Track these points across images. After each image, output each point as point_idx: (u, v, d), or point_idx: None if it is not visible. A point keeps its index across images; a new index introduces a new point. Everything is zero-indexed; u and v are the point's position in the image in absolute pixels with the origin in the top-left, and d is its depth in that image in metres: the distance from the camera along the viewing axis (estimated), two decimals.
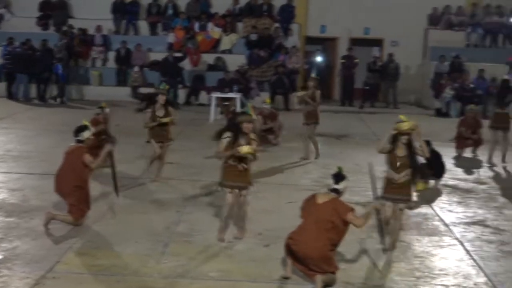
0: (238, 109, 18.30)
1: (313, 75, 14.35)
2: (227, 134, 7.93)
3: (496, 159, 13.47)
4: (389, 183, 7.88)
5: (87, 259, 7.27)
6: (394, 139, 7.74)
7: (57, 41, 21.71)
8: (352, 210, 6.63)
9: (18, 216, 8.68)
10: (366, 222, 6.81)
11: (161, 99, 10.62)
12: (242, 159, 7.85)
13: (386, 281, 7.06)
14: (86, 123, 8.72)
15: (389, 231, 8.15)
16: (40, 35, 22.13)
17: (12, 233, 8.00)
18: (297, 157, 12.93)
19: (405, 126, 7.63)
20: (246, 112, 8.59)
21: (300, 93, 13.55)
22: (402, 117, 7.85)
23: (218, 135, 8.11)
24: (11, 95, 20.66)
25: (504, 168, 13.12)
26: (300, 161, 12.85)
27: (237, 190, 8.05)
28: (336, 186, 6.73)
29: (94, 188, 9.06)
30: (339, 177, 6.79)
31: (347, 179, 6.84)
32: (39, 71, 20.64)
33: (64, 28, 22.59)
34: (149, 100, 11.06)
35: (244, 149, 7.66)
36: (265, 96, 20.42)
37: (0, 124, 15.97)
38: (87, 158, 8.12)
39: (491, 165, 13.27)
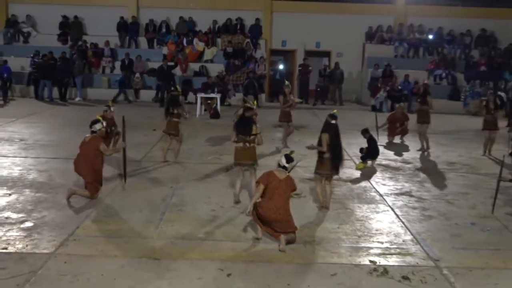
0: (218, 106, 18.37)
1: (286, 83, 14.29)
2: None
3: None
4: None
5: (100, 225, 7.28)
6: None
7: (72, 53, 21.59)
8: (295, 189, 7.07)
9: (45, 192, 8.63)
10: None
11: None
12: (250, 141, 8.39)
13: (334, 239, 7.11)
14: (99, 117, 8.74)
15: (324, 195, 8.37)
16: (60, 49, 21.90)
17: (41, 205, 7.96)
18: (268, 145, 12.79)
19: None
20: (252, 107, 9.15)
21: (298, 99, 13.35)
22: (335, 110, 8.40)
23: (241, 128, 8.42)
24: (37, 97, 20.54)
25: (427, 151, 13.22)
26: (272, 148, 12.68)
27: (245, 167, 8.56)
28: (286, 165, 6.88)
29: (106, 169, 9.01)
30: (289, 158, 6.94)
31: (294, 161, 7.08)
32: (60, 77, 20.55)
33: (79, 43, 22.43)
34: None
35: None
36: (240, 96, 20.54)
37: (29, 120, 15.81)
38: (102, 146, 8.27)
39: (422, 150, 13.28)
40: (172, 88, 12.60)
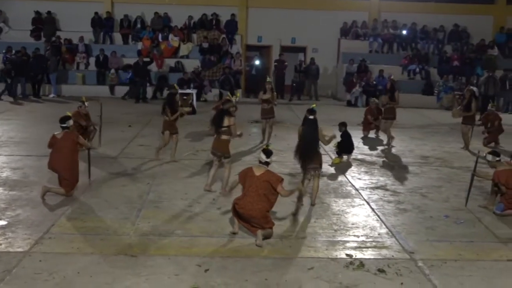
0: (194, 102, 18.32)
1: (268, 79, 14.19)
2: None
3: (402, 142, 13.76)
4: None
5: (76, 223, 7.20)
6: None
7: (46, 49, 21.31)
8: (281, 180, 6.86)
9: (19, 190, 8.51)
10: (290, 195, 7.17)
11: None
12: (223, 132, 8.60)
13: (310, 233, 7.15)
14: (69, 113, 8.65)
15: (310, 191, 8.38)
16: (33, 45, 21.61)
17: (15, 203, 7.86)
18: (246, 140, 12.79)
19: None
20: (231, 101, 9.37)
21: (265, 95, 13.23)
22: (314, 105, 8.49)
23: (214, 120, 8.81)
24: (10, 93, 20.19)
25: (389, 146, 13.29)
26: (249, 143, 12.74)
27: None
28: (267, 160, 6.92)
29: (81, 166, 8.92)
30: (268, 152, 6.97)
31: (273, 154, 7.11)
32: (33, 73, 20.32)
33: (53, 38, 22.16)
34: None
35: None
36: (216, 91, 20.54)
37: (2, 116, 15.60)
38: (81, 139, 8.31)
39: (390, 145, 13.39)
40: (171, 86, 12.52)
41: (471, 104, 13.01)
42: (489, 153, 8.50)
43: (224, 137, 8.60)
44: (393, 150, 12.95)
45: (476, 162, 8.72)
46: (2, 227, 6.91)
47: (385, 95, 13.97)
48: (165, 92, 20.53)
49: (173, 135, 10.76)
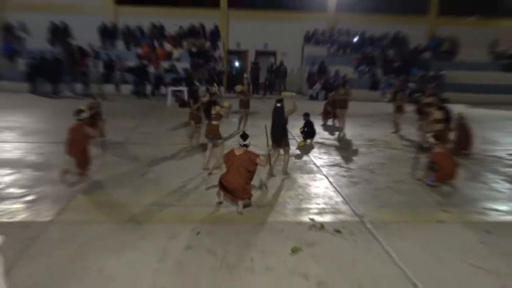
0: (186, 97, 18.21)
1: (245, 75, 14.36)
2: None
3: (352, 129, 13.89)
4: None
5: (91, 197, 7.19)
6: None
7: (61, 54, 21.00)
8: (258, 156, 6.93)
9: (43, 171, 8.44)
10: (267, 163, 7.31)
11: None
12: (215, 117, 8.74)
13: (281, 202, 7.23)
14: (83, 107, 8.56)
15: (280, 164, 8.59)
16: (51, 51, 21.27)
17: (40, 181, 7.80)
18: (226, 127, 12.82)
19: (285, 94, 9.09)
20: (217, 93, 10.04)
21: (240, 87, 13.32)
22: (287, 93, 9.13)
23: (205, 110, 9.01)
24: (33, 91, 19.95)
25: (343, 132, 13.34)
26: (233, 132, 12.68)
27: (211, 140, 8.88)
28: (244, 142, 6.99)
29: (93, 151, 8.86)
30: (245, 136, 7.05)
31: (250, 137, 7.15)
32: (52, 74, 20.00)
33: (67, 45, 21.81)
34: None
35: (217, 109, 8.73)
36: (203, 88, 20.39)
37: (27, 110, 15.32)
38: (90, 130, 8.13)
39: (340, 130, 13.49)
40: (194, 83, 12.41)
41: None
42: (432, 136, 8.58)
43: (214, 122, 8.72)
44: (347, 135, 13.08)
45: (419, 144, 8.88)
46: (30, 201, 6.87)
47: (342, 88, 14.13)
48: (162, 89, 20.51)
49: (197, 125, 10.52)
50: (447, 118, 10.08)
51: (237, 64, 23.93)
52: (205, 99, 9.85)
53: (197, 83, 12.07)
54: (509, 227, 6.57)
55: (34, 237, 5.63)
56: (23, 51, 21.42)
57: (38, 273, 4.83)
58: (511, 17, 25.22)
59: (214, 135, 8.79)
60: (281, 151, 8.72)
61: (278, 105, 8.42)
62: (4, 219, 6.17)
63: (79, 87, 20.51)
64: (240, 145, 7.02)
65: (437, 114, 9.86)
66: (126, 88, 20.92)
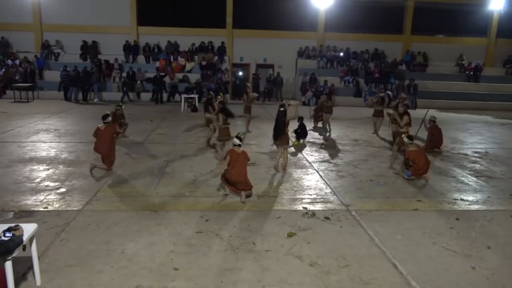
0: (197, 103, 18.16)
1: (247, 84, 14.32)
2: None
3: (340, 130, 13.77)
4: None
5: (115, 189, 7.13)
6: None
7: (91, 67, 20.96)
8: (249, 158, 6.95)
9: (74, 166, 8.38)
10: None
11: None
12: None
13: (278, 193, 7.17)
14: (108, 112, 8.52)
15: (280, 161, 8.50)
16: (82, 64, 21.23)
17: (71, 176, 7.74)
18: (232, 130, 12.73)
19: (291, 104, 9.15)
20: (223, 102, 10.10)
21: (253, 95, 13.17)
22: (291, 102, 9.10)
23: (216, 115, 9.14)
24: (66, 99, 19.90)
25: (329, 133, 13.21)
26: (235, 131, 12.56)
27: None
28: (239, 143, 6.88)
29: (118, 149, 8.79)
30: (239, 138, 6.98)
31: (243, 139, 7.21)
32: (83, 84, 19.97)
33: (96, 60, 21.77)
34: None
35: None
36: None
37: (61, 115, 15.26)
38: (117, 128, 8.12)
39: (327, 132, 13.38)
40: (210, 93, 12.31)
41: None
42: (406, 137, 8.38)
43: (224, 126, 8.89)
44: (334, 136, 12.98)
45: (395, 141, 8.80)
46: (62, 193, 6.81)
47: (324, 95, 14.17)
48: (176, 96, 20.45)
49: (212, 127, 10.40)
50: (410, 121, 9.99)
51: (240, 73, 24.00)
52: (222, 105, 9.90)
53: (211, 92, 11.88)
54: (475, 215, 6.49)
55: (64, 224, 5.55)
56: (58, 65, 21.35)
57: (68, 256, 4.75)
58: (472, 35, 25.16)
59: (228, 136, 8.86)
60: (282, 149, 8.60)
61: (282, 109, 8.42)
62: (40, 208, 6.11)
63: (105, 95, 20.47)
64: (235, 145, 6.92)
65: (406, 119, 9.74)
66: (146, 96, 20.82)
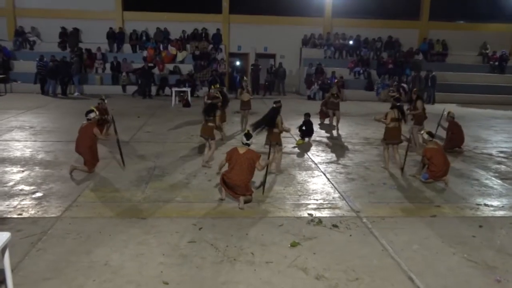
0: (189, 98, 18.17)
1: (245, 78, 14.34)
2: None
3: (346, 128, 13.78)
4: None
5: (97, 193, 7.11)
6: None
7: (71, 57, 20.97)
8: (259, 156, 6.79)
9: (52, 168, 8.38)
10: (264, 167, 7.00)
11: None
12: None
13: (281, 198, 7.15)
14: (93, 108, 8.51)
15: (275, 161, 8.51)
16: (60, 53, 21.30)
17: (49, 179, 7.73)
18: (228, 127, 12.75)
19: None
20: (218, 97, 10.31)
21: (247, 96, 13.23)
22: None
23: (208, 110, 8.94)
24: (43, 92, 19.94)
25: (337, 129, 13.29)
26: (236, 131, 12.61)
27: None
28: (247, 141, 6.89)
29: (101, 148, 8.79)
30: (248, 135, 6.97)
31: (253, 136, 7.12)
32: (62, 76, 20.01)
33: (76, 49, 21.78)
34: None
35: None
36: (205, 89, 20.33)
37: (37, 111, 15.28)
38: (96, 130, 8.03)
39: (334, 128, 13.46)
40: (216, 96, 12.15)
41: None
42: (426, 132, 8.40)
43: (210, 124, 8.80)
44: (343, 133, 12.99)
45: (409, 141, 8.81)
46: (39, 198, 6.80)
47: (334, 86, 14.25)
48: (166, 91, 20.47)
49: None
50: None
51: (238, 63, 24.03)
52: (217, 101, 9.92)
53: (217, 94, 11.60)
54: (500, 222, 6.49)
55: (41, 233, 5.54)
56: (34, 54, 21.35)
57: (45, 268, 4.74)
58: (498, 20, 25.14)
59: (208, 136, 8.77)
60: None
61: (274, 105, 8.57)
62: (14, 215, 6.10)
63: (87, 88, 20.47)
64: (243, 143, 6.92)
65: (420, 104, 9.95)
66: (133, 89, 20.84)
